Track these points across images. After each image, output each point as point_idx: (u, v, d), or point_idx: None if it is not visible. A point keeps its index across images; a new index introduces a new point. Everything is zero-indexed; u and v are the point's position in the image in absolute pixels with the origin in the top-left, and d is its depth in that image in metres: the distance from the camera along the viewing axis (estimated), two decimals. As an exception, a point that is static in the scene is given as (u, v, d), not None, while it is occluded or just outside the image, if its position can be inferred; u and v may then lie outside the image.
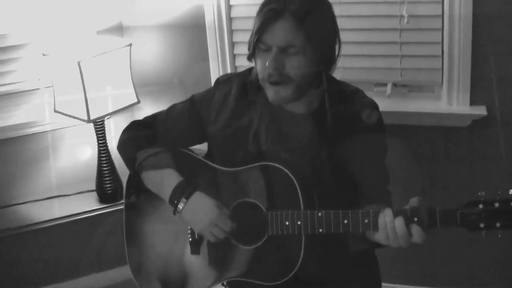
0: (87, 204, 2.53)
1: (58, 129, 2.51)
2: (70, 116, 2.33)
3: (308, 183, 1.56)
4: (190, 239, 1.68)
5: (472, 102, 2.16)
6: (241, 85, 1.67)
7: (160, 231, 1.73)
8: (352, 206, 1.61)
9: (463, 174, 2.25)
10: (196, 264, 1.68)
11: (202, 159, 1.71)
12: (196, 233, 1.66)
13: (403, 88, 2.28)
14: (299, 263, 1.54)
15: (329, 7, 1.58)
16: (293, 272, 1.55)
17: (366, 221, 1.46)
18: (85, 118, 2.26)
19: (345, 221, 1.48)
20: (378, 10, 2.17)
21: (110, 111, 2.33)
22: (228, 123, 1.67)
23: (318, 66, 1.54)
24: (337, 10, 2.14)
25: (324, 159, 1.60)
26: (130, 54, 2.34)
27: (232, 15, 2.35)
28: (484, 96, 2.14)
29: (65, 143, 2.58)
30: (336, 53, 1.60)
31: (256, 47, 1.53)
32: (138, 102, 2.40)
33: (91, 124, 2.39)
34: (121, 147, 1.75)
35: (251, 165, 1.61)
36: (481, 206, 1.37)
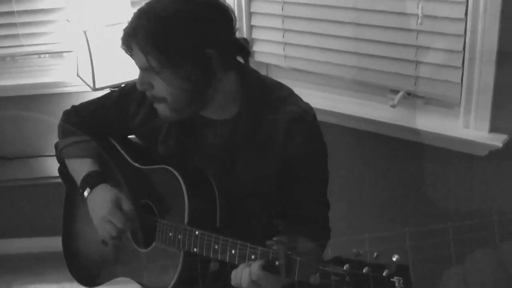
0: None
1: (82, 92, 2.56)
2: (84, 82, 2.36)
3: (206, 196, 1.41)
4: None
5: (493, 129, 1.77)
6: None
7: (84, 214, 1.69)
8: (268, 228, 1.46)
9: (463, 208, 1.89)
10: (105, 253, 1.63)
11: (121, 151, 1.63)
12: None
13: (418, 99, 1.94)
14: (173, 282, 1.41)
15: (180, 21, 1.32)
16: None
17: (233, 252, 1.28)
18: (92, 85, 2.28)
19: (215, 247, 1.32)
20: (394, 5, 1.85)
21: (118, 82, 2.32)
22: (144, 120, 1.56)
23: (189, 82, 1.35)
24: (351, 2, 1.92)
25: (237, 172, 1.44)
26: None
27: None
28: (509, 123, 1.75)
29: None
30: (212, 67, 1.35)
31: None
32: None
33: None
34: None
35: (154, 167, 1.52)
36: (346, 266, 1.11)
